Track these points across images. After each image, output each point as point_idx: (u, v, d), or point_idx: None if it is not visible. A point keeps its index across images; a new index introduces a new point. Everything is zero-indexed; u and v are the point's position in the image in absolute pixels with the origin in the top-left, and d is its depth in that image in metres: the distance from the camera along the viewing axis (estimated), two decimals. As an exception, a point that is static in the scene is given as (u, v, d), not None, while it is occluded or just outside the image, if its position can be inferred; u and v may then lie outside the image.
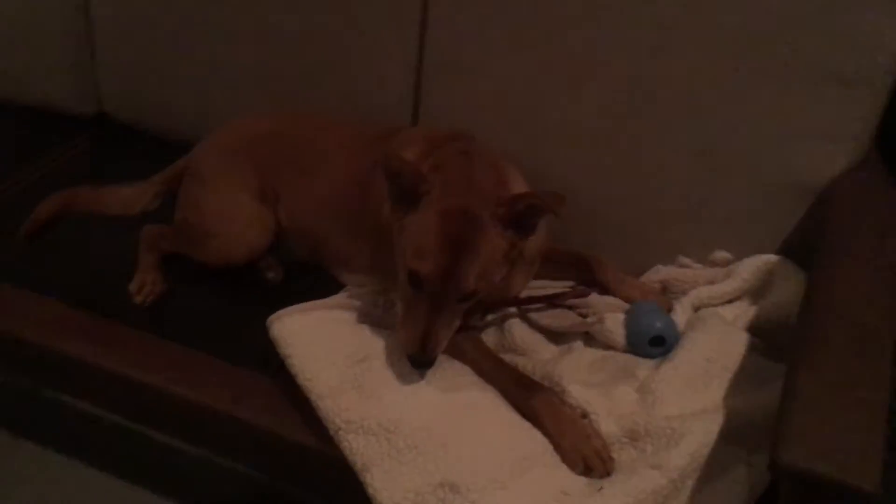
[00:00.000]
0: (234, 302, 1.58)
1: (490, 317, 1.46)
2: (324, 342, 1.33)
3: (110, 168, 1.94)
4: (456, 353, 1.35)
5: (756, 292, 1.43)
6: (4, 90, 2.10)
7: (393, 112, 1.71)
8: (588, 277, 1.51)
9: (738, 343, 1.32)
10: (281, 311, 1.37)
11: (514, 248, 1.27)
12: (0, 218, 1.73)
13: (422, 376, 1.27)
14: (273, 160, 1.61)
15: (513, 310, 1.46)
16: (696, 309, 1.44)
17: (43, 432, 1.82)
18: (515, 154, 1.53)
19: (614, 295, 1.47)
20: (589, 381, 1.32)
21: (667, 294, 1.50)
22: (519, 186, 1.40)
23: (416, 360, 1.24)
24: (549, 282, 1.54)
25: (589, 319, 1.41)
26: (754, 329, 1.37)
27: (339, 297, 1.46)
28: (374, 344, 1.33)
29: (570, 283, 1.53)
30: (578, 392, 1.27)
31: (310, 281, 1.58)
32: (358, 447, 1.20)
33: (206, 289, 1.60)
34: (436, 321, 1.23)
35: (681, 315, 1.41)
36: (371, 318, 1.41)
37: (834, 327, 1.08)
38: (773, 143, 1.43)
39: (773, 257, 1.43)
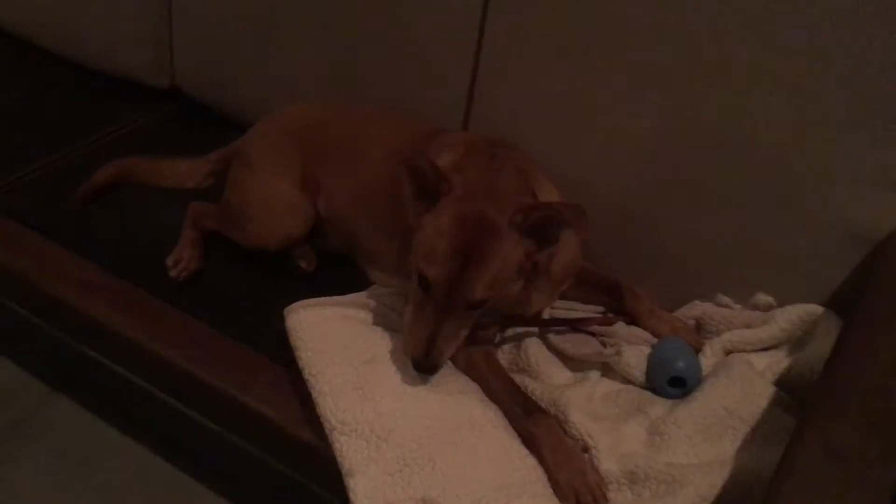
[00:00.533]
0: (263, 287, 1.59)
1: (509, 332, 1.42)
2: (335, 339, 1.32)
3: (175, 141, 1.97)
4: (466, 367, 1.32)
5: (794, 343, 1.34)
6: (88, 57, 2.18)
7: (446, 113, 1.68)
8: (619, 305, 1.45)
9: (762, 395, 1.23)
10: (298, 303, 1.37)
11: (530, 259, 1.23)
12: (60, 180, 1.80)
13: (424, 381, 1.25)
14: (318, 150, 1.61)
15: (533, 329, 1.41)
16: (728, 352, 1.36)
17: (77, 389, 1.89)
18: (562, 166, 1.49)
19: (643, 327, 1.41)
20: (598, 413, 1.27)
21: (700, 332, 1.43)
22: (549, 198, 1.35)
23: (419, 365, 1.23)
24: (578, 304, 1.50)
25: (607, 351, 1.35)
26: (784, 382, 1.28)
27: (359, 296, 1.45)
28: (383, 347, 1.31)
29: (600, 309, 1.48)
30: (583, 424, 1.22)
31: (341, 275, 1.58)
32: (348, 450, 1.19)
33: (239, 271, 1.62)
34: (442, 326, 1.20)
35: (709, 357, 1.34)
36: (386, 320, 1.39)
37: (855, 394, 0.99)
38: (833, 189, 1.33)
39: (817, 308, 1.34)
